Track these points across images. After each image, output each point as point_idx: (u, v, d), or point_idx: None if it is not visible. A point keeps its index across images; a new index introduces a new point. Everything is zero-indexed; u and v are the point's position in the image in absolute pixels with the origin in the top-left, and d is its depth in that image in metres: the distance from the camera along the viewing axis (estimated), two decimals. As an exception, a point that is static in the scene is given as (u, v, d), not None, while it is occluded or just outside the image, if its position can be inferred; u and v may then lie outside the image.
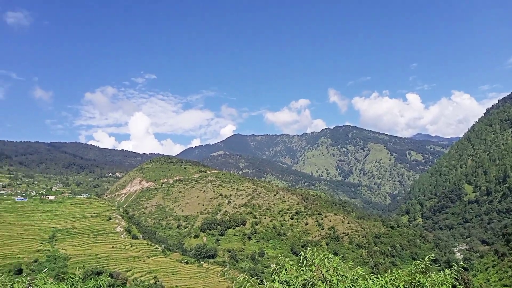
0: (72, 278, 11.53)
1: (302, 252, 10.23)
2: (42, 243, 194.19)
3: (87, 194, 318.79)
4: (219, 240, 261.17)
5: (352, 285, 9.69)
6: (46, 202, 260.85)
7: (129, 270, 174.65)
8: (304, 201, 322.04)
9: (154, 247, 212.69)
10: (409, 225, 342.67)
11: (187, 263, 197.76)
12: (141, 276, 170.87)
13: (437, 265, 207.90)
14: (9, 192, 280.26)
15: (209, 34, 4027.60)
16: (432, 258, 10.89)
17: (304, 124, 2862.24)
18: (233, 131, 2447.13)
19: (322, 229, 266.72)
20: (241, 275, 10.19)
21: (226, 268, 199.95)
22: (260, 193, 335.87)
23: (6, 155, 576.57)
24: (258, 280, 10.60)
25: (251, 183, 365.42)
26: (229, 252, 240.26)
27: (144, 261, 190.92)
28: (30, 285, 11.66)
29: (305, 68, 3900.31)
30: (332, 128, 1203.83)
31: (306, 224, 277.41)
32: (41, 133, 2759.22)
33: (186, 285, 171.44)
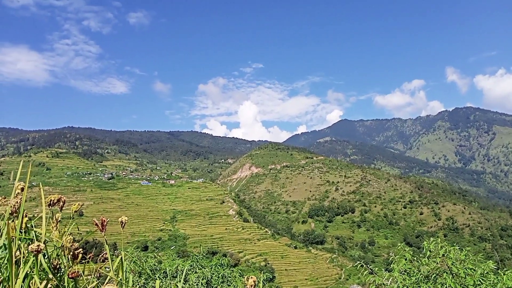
0: (197, 255, 12.49)
1: (425, 242, 9.61)
2: (164, 223, 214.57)
3: (202, 179, 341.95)
4: (327, 226, 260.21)
5: (482, 279, 8.83)
6: (167, 186, 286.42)
7: (241, 252, 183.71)
8: (419, 189, 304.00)
9: (264, 230, 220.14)
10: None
11: (295, 247, 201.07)
12: (253, 258, 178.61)
13: None
14: (136, 176, 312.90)
15: (313, 20, 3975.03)
16: None
17: (418, 106, 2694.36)
18: (340, 117, 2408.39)
19: (439, 220, 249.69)
20: (357, 262, 9.95)
21: (334, 255, 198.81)
22: (369, 180, 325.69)
23: (132, 143, 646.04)
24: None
25: (359, 170, 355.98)
26: (338, 239, 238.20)
27: (255, 243, 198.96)
28: (160, 260, 12.89)
29: (419, 46, 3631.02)
30: (450, 110, 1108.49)
31: (421, 213, 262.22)
32: (162, 122, 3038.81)
33: (295, 269, 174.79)
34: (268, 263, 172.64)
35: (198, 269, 12.11)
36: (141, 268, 11.01)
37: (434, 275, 9.09)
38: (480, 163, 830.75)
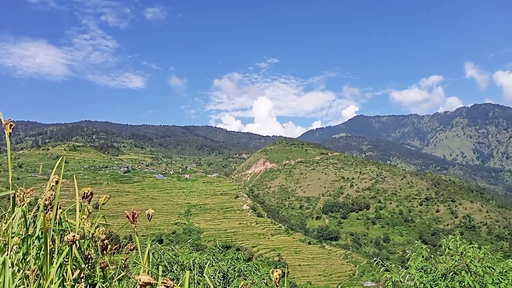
0: (213, 249, 12.64)
1: (443, 240, 9.55)
2: (179, 216, 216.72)
3: (217, 174, 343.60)
4: (342, 223, 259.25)
5: (501, 278, 8.74)
6: (182, 180, 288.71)
7: (255, 246, 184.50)
8: (435, 186, 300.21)
9: (278, 225, 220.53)
10: None
11: (309, 243, 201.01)
12: (266, 253, 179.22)
13: None
14: (151, 170, 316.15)
15: (330, 15, 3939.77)
16: None
17: (435, 103, 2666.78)
18: (356, 112, 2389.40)
19: (455, 217, 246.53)
20: (373, 259, 9.95)
21: (349, 252, 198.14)
22: (385, 177, 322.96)
23: (148, 137, 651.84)
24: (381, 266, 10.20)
25: (375, 167, 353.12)
26: (352, 235, 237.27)
27: (268, 238, 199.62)
28: (177, 253, 13.07)
29: (437, 41, 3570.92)
30: (469, 106, 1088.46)
31: (437, 211, 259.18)
32: (177, 117, 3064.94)
33: (308, 265, 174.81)
34: (282, 258, 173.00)
35: (215, 263, 12.26)
36: (159, 260, 11.22)
37: (452, 273, 9.03)
38: (499, 160, 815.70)
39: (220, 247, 13.88)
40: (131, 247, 3.65)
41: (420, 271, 9.38)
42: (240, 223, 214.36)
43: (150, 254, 3.31)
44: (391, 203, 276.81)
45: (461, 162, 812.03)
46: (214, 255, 12.63)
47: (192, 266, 11.42)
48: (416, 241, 10.88)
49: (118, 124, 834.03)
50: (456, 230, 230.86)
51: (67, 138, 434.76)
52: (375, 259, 10.10)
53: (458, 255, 9.02)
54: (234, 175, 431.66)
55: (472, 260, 8.96)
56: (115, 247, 3.57)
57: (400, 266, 10.87)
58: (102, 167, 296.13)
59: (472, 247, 9.11)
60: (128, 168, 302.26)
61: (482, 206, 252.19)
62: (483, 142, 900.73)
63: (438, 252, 9.83)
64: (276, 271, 2.87)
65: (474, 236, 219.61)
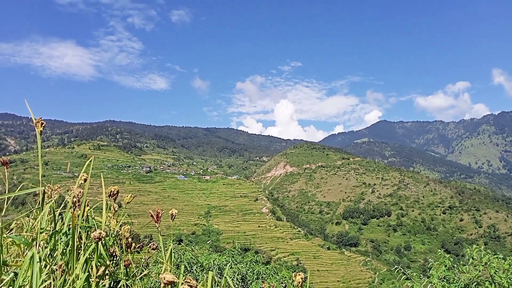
0: (232, 251, 12.74)
1: (467, 250, 9.36)
2: (199, 217, 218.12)
3: (237, 176, 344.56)
4: (362, 229, 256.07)
5: (527, 292, 8.50)
6: (203, 181, 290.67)
7: (273, 250, 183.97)
8: (460, 195, 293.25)
9: (297, 230, 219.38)
10: None
11: (328, 248, 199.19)
12: (285, 257, 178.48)
13: None
14: (173, 171, 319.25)
15: (354, 19, 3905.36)
16: None
17: (462, 109, 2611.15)
18: (379, 117, 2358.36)
19: (479, 227, 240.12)
20: (394, 266, 9.83)
21: (368, 258, 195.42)
22: (407, 183, 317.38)
23: (171, 138, 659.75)
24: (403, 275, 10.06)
25: (397, 173, 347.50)
26: (372, 242, 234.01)
27: (287, 242, 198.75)
28: (197, 254, 13.22)
29: (465, 47, 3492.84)
30: (496, 114, 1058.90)
31: (461, 220, 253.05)
32: (200, 119, 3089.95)
33: (327, 270, 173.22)
34: (300, 263, 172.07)
35: (234, 265, 12.34)
36: (179, 260, 11.36)
37: (475, 283, 8.86)
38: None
39: (239, 249, 13.98)
40: (153, 246, 3.75)
41: (443, 281, 9.22)
42: (259, 226, 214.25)
43: (172, 253, 3.39)
44: (413, 211, 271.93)
45: (486, 171, 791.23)
46: (233, 257, 12.73)
47: (211, 268, 11.53)
48: (438, 250, 10.69)
49: (142, 125, 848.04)
50: (480, 240, 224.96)
51: (92, 137, 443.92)
52: (396, 266, 9.98)
53: (482, 266, 8.84)
54: (254, 178, 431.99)
55: (497, 271, 8.76)
56: (138, 245, 3.65)
57: (421, 275, 10.73)
58: (125, 166, 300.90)
59: (497, 257, 8.91)
60: (150, 168, 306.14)
61: (507, 216, 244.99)
62: (510, 151, 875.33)
63: (461, 262, 9.65)
64: (299, 274, 2.87)
65: (498, 247, 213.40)
